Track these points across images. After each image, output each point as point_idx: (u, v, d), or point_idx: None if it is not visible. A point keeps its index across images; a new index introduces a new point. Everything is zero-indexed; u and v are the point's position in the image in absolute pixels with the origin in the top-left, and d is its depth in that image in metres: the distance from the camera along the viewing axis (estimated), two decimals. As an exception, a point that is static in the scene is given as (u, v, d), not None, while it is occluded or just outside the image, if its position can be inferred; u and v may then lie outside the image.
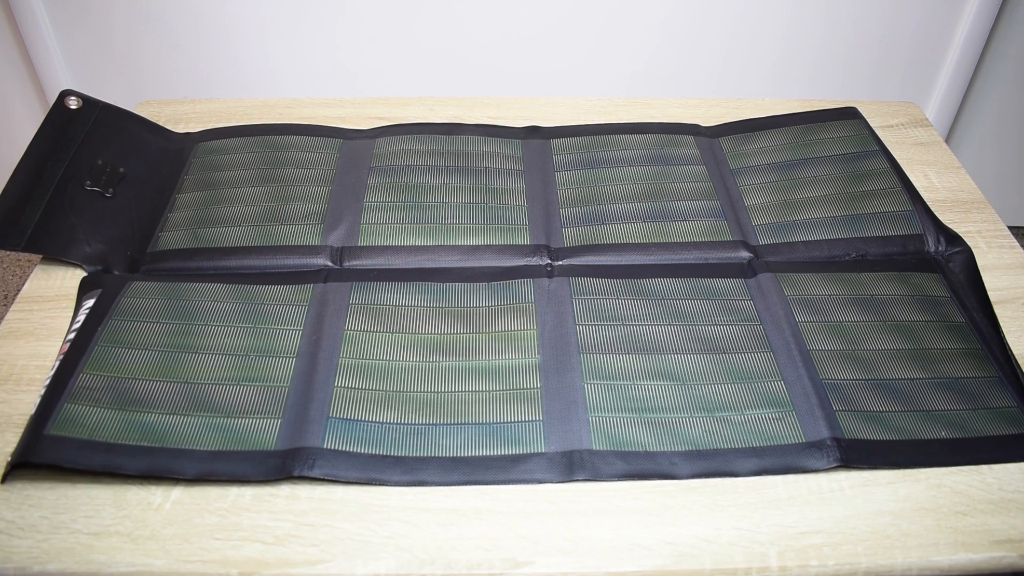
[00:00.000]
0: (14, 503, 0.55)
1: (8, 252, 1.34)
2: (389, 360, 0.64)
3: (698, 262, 0.74)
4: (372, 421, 0.60)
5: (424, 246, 0.74)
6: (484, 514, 0.55)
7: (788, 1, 1.27)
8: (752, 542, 0.54)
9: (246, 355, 0.64)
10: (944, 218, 0.78)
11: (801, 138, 0.87)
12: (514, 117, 0.91)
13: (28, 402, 0.61)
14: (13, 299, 1.21)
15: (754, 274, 0.72)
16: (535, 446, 0.59)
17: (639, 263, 0.73)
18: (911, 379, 0.64)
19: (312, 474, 0.56)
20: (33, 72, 1.35)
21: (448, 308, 0.68)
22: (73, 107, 0.82)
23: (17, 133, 1.42)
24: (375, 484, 0.57)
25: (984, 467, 0.58)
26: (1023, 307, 0.71)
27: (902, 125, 0.93)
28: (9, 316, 0.69)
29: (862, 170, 0.82)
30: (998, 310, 0.69)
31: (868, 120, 0.90)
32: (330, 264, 0.73)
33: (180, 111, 0.93)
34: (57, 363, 0.62)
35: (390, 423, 0.60)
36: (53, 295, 0.70)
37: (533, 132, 0.88)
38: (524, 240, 0.75)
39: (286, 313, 0.67)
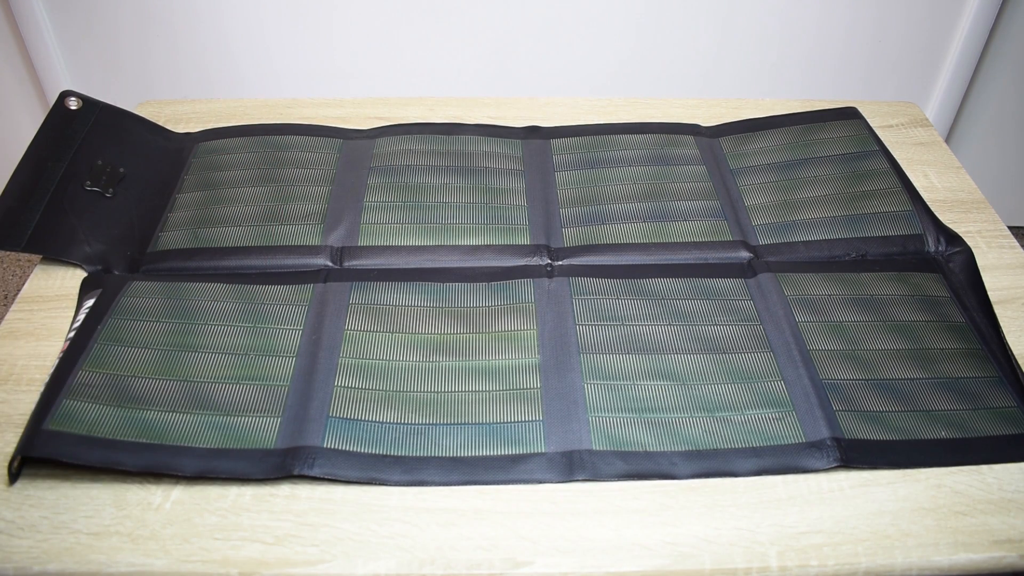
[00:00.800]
0: (14, 503, 0.55)
1: (8, 252, 1.34)
2: (389, 360, 0.64)
3: (698, 262, 0.74)
4: (372, 421, 0.60)
5: (424, 246, 0.74)
6: (484, 514, 0.55)
7: (788, 1, 1.27)
8: (752, 542, 0.54)
9: (246, 354, 0.64)
10: (944, 218, 0.78)
11: (801, 138, 0.87)
12: (514, 117, 0.91)
13: (28, 402, 0.61)
14: (13, 299, 1.21)
15: (754, 274, 0.72)
16: (535, 446, 0.59)
17: (639, 263, 0.73)
18: (911, 379, 0.64)
19: (312, 473, 0.56)
20: (33, 72, 1.35)
21: (448, 308, 0.68)
22: (73, 107, 0.82)
23: (17, 133, 1.42)
24: (375, 484, 0.57)
25: (984, 467, 0.58)
26: (1023, 307, 0.71)
27: (902, 125, 0.93)
28: (9, 316, 0.69)
29: (862, 170, 0.82)
30: (998, 310, 0.69)
31: (868, 120, 0.90)
32: (330, 264, 0.73)
33: (180, 111, 0.93)
34: (57, 361, 0.62)
35: (390, 423, 0.60)
36: (53, 295, 0.70)
37: (533, 132, 0.88)
38: (524, 240, 0.75)
39: (286, 313, 0.68)
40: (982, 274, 0.71)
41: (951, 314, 0.69)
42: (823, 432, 0.59)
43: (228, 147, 0.85)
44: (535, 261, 0.73)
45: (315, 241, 0.74)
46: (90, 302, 0.67)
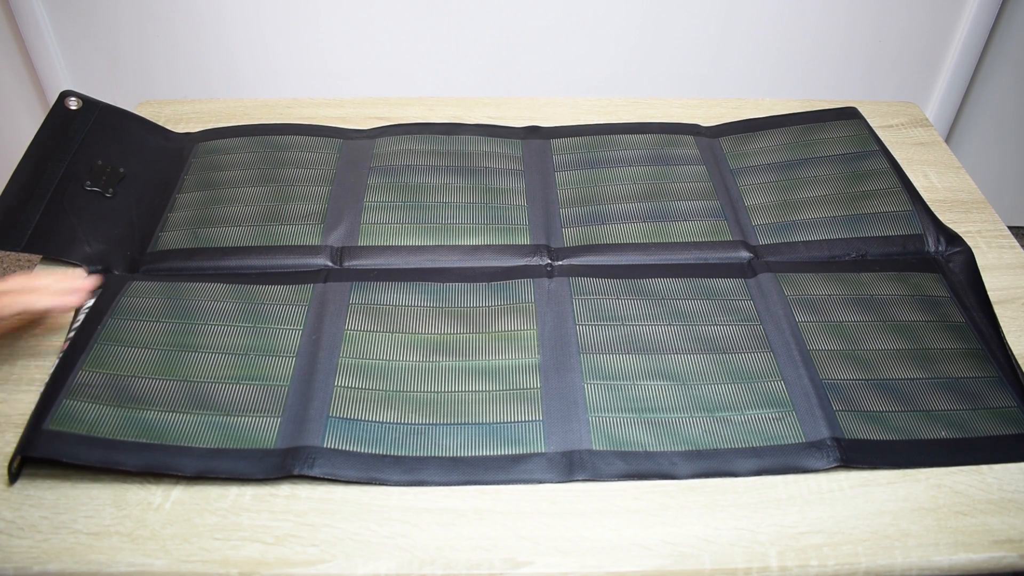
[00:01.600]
0: (14, 503, 0.55)
1: (8, 252, 1.34)
2: (389, 360, 0.64)
3: (698, 262, 0.74)
4: (372, 421, 0.60)
5: (424, 246, 0.74)
6: (484, 514, 0.55)
7: (788, 2, 1.27)
8: (752, 542, 0.54)
9: (246, 354, 0.64)
10: (944, 218, 0.78)
11: (801, 138, 0.87)
12: (514, 117, 0.91)
13: (28, 402, 0.61)
14: (13, 299, 1.20)
15: (754, 274, 0.72)
16: (535, 446, 0.59)
17: (639, 263, 0.73)
18: (911, 379, 0.64)
19: (312, 473, 0.56)
20: (33, 72, 1.35)
21: (448, 308, 0.68)
22: (73, 108, 0.82)
23: (17, 133, 1.42)
24: (375, 484, 0.57)
25: (984, 467, 0.58)
26: (1023, 307, 0.71)
27: (902, 125, 0.93)
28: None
29: (862, 170, 0.82)
30: (998, 310, 0.69)
31: (868, 120, 0.90)
32: (330, 264, 0.73)
33: (180, 111, 0.93)
34: (57, 361, 0.62)
35: (390, 423, 0.60)
36: (53, 295, 0.70)
37: (533, 132, 0.88)
38: (524, 240, 0.75)
39: (286, 313, 0.67)
40: (982, 274, 0.71)
41: (951, 314, 0.69)
42: (823, 432, 0.59)
43: (228, 147, 0.85)
44: (535, 261, 0.73)
45: (315, 241, 0.74)
46: (90, 302, 0.67)
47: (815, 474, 0.58)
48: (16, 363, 0.65)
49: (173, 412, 0.59)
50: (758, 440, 0.59)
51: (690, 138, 0.87)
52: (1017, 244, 0.78)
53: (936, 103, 1.39)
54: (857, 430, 0.60)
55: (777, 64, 1.34)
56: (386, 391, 0.62)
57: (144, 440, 0.57)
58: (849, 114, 0.90)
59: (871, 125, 0.89)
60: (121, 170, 0.79)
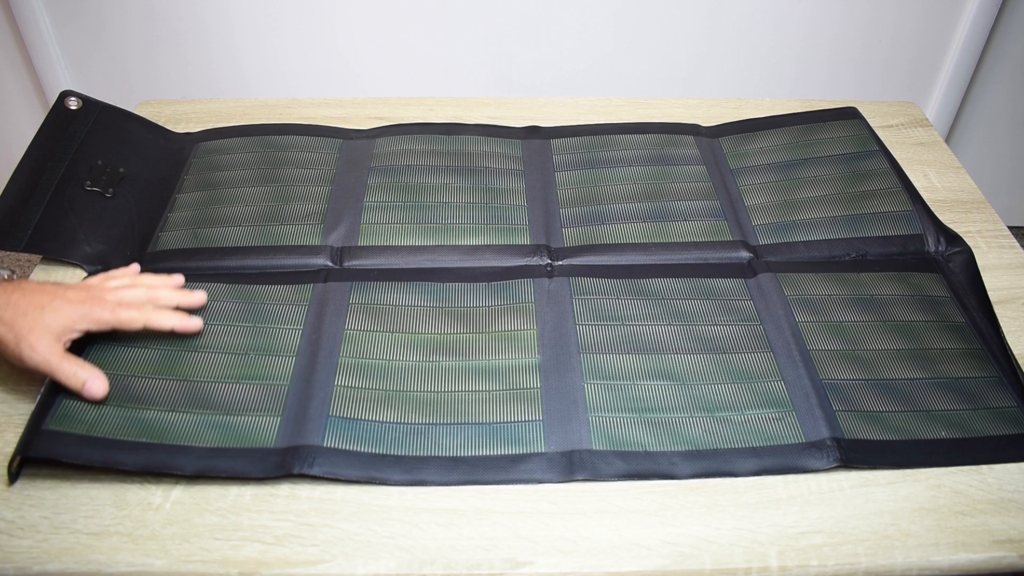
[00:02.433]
0: (14, 503, 0.55)
1: (8, 252, 1.34)
2: (389, 360, 0.64)
3: (698, 262, 0.74)
4: (372, 420, 0.60)
5: (424, 246, 0.74)
6: (484, 514, 0.55)
7: (788, 2, 1.27)
8: (752, 542, 0.54)
9: (246, 354, 0.64)
10: (944, 218, 0.78)
11: (801, 138, 0.87)
12: (514, 117, 0.91)
13: (28, 402, 0.61)
14: (13, 299, 1.20)
15: (754, 274, 0.72)
16: (535, 446, 0.59)
17: (639, 263, 0.73)
18: (911, 379, 0.64)
19: (312, 472, 0.56)
20: (33, 72, 1.35)
21: (448, 308, 0.68)
22: (73, 108, 0.82)
23: (17, 133, 1.42)
24: (375, 483, 0.57)
25: (984, 467, 0.58)
26: (1023, 307, 0.71)
27: (902, 125, 0.93)
28: (9, 316, 0.69)
29: (862, 170, 0.82)
30: (998, 310, 0.69)
31: (868, 120, 0.90)
32: (330, 264, 0.73)
33: (180, 111, 0.93)
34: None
35: (390, 422, 0.60)
36: (53, 295, 0.70)
37: (533, 132, 0.88)
38: (524, 240, 0.75)
39: (286, 312, 0.67)
40: (982, 274, 0.71)
41: (951, 314, 0.69)
42: (823, 432, 0.59)
43: (228, 147, 0.85)
44: (535, 261, 0.73)
45: (315, 241, 0.74)
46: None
47: (815, 474, 0.58)
48: (16, 363, 0.65)
49: (173, 411, 0.59)
50: (758, 440, 0.59)
51: (690, 138, 0.87)
52: (1017, 244, 0.78)
53: (936, 103, 1.39)
54: (857, 430, 0.60)
55: (777, 64, 1.34)
56: (386, 391, 0.62)
57: (144, 440, 0.57)
58: (849, 114, 0.90)
59: (871, 125, 0.89)
60: (121, 170, 0.79)
